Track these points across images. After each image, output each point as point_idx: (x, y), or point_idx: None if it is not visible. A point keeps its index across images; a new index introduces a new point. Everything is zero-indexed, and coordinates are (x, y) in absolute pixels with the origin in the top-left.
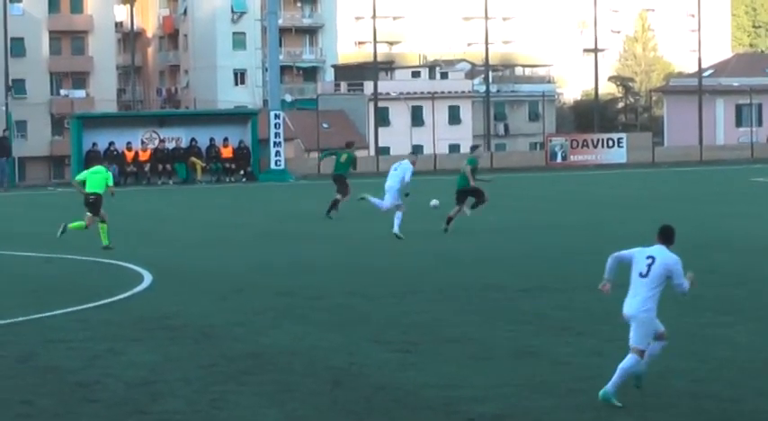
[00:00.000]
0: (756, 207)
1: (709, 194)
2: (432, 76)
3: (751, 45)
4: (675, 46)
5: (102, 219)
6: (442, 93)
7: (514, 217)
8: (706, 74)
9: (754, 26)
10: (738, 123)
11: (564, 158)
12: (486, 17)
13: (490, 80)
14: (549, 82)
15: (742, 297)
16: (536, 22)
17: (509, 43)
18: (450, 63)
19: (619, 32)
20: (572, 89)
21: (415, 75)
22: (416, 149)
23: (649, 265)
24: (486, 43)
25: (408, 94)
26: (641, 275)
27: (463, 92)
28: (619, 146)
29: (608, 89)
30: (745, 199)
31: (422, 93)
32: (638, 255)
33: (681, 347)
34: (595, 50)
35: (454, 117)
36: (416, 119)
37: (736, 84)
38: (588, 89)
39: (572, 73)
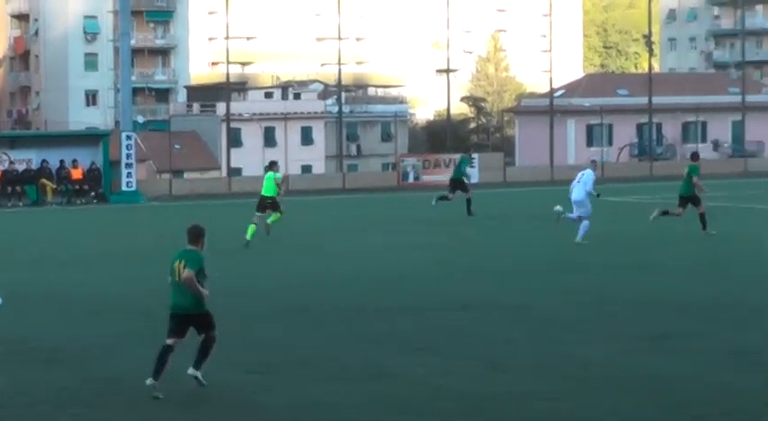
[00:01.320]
0: (610, 225)
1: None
2: (285, 97)
3: (602, 65)
4: (527, 66)
5: None
6: (295, 113)
7: (367, 238)
8: (557, 94)
9: (605, 47)
10: (589, 143)
11: (416, 179)
12: (340, 38)
13: (343, 101)
14: (401, 102)
15: (595, 316)
16: (389, 42)
17: (362, 64)
18: (304, 84)
19: (471, 53)
20: (425, 109)
21: (268, 95)
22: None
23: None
24: (339, 64)
25: (261, 114)
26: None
27: (316, 112)
28: (471, 166)
29: (460, 109)
30: (595, 218)
31: (275, 113)
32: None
33: (536, 367)
34: (448, 71)
35: (307, 138)
36: (269, 139)
37: (587, 104)
38: (441, 109)
39: (425, 93)
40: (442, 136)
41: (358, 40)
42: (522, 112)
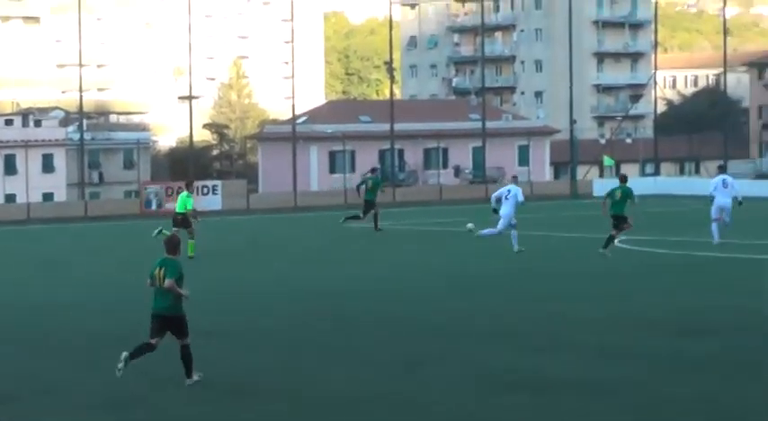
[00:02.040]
0: (341, 252)
1: (308, 240)
2: (25, 124)
3: (344, 92)
4: (270, 93)
5: None
6: (36, 141)
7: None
8: (300, 121)
9: (347, 73)
10: (332, 169)
11: (159, 206)
12: (81, 64)
13: (84, 128)
14: (144, 129)
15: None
16: (131, 69)
17: (104, 90)
18: (44, 111)
19: (214, 79)
20: (168, 136)
21: (8, 122)
22: (10, 199)
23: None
24: (81, 90)
25: (1, 142)
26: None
27: (57, 140)
28: (214, 193)
29: (203, 136)
30: (337, 244)
31: (15, 141)
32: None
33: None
34: (190, 98)
35: (48, 165)
36: (9, 167)
37: (329, 130)
38: (183, 136)
39: (168, 120)
40: (185, 163)
41: (99, 66)
42: (265, 139)
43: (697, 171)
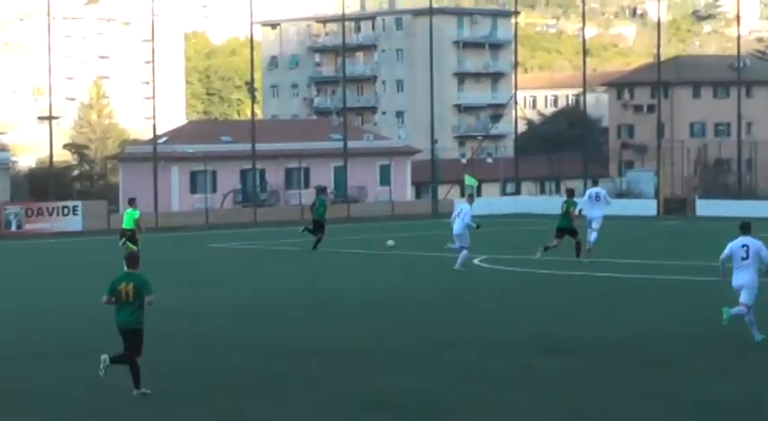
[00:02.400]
0: (212, 272)
1: (169, 261)
2: None
3: (205, 112)
4: (131, 113)
5: None
6: None
7: None
8: (161, 141)
9: (208, 93)
10: (193, 190)
11: (19, 227)
12: None
13: None
14: (3, 150)
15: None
16: None
17: None
18: None
19: (74, 99)
20: (28, 157)
21: None
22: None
23: None
24: None
25: None
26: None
27: None
28: (74, 214)
29: (64, 156)
30: (204, 264)
31: None
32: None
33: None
34: (50, 118)
35: None
36: None
37: (191, 150)
38: (43, 157)
39: (27, 140)
40: (45, 184)
41: None
42: (126, 159)
43: (557, 190)
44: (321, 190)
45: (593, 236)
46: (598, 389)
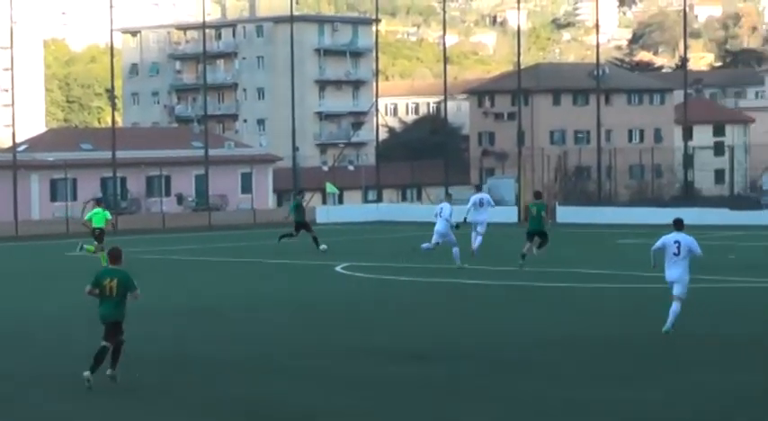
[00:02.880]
0: (60, 281)
1: (26, 270)
2: None
3: (65, 120)
4: None
5: None
6: None
7: None
8: (20, 149)
9: (68, 101)
10: (54, 197)
11: None
12: None
13: None
14: None
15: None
16: None
17: None
18: None
19: None
20: None
21: None
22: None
23: None
24: None
25: None
26: None
27: None
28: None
29: None
30: (63, 273)
31: None
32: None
33: None
34: None
35: None
36: None
37: (51, 158)
38: None
39: None
40: None
41: None
42: None
43: (419, 197)
44: (298, 192)
45: (477, 240)
46: (454, 396)
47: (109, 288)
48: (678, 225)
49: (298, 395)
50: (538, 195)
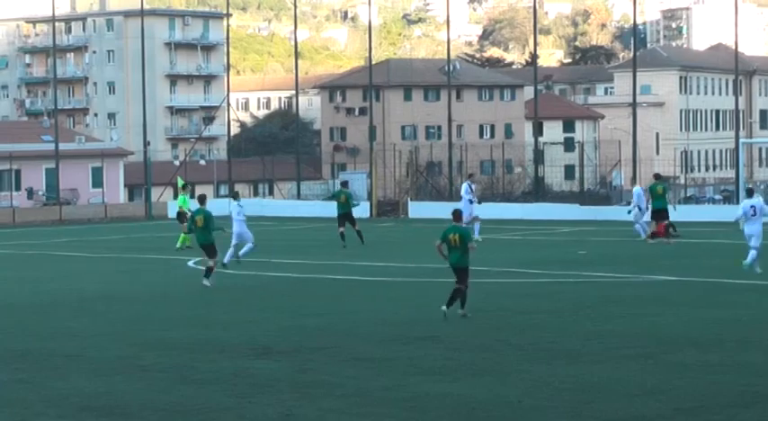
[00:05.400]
0: None
1: None
2: None
3: None
4: None
5: None
6: None
7: None
8: None
9: None
10: None
11: None
12: None
13: None
14: None
15: None
16: None
17: None
18: None
19: None
20: None
21: None
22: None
23: None
24: None
25: None
26: None
27: None
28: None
29: None
30: None
31: None
32: None
33: None
34: None
35: None
36: None
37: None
38: None
39: None
40: None
41: None
42: None
43: (271, 192)
44: (344, 184)
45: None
46: (313, 392)
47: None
48: (750, 193)
49: (152, 391)
50: (658, 176)
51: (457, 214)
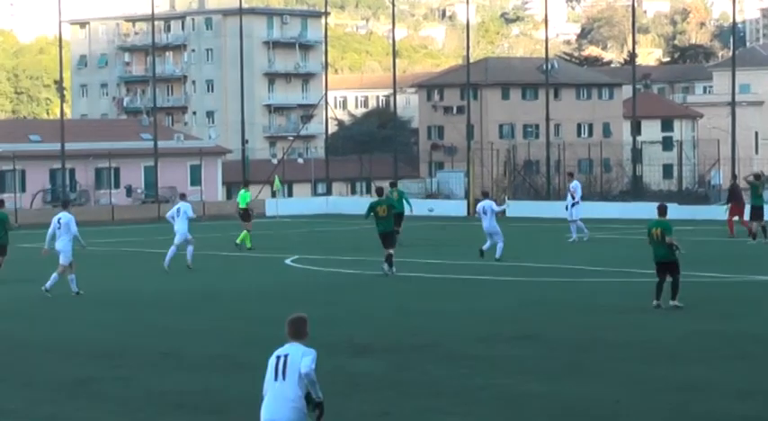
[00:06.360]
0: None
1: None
2: None
3: (14, 111)
4: None
5: None
6: None
7: None
8: None
9: (16, 92)
10: (2, 189)
11: None
12: None
13: None
14: None
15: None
16: None
17: None
18: None
19: None
20: None
21: None
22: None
23: None
24: None
25: None
26: None
27: None
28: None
29: None
30: (11, 264)
31: None
32: None
33: None
34: None
35: None
36: None
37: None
38: None
39: None
40: None
41: None
42: None
43: (368, 191)
44: (393, 184)
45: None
46: (411, 391)
47: (655, 235)
48: None
49: (242, 387)
50: (758, 176)
51: (662, 209)
